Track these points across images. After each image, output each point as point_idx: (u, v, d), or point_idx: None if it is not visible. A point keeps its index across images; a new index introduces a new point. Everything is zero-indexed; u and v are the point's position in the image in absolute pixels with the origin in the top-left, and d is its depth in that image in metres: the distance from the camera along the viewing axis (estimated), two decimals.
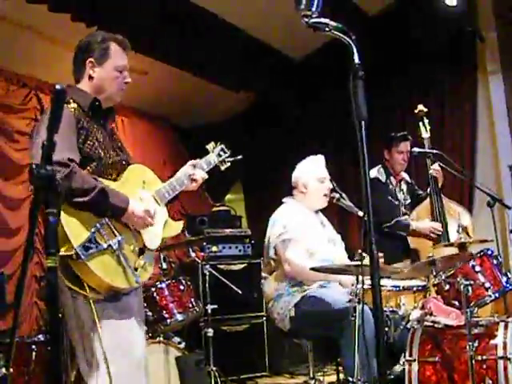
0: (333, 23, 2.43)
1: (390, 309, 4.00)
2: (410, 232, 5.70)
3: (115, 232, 2.93)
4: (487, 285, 4.23)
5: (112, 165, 3.15)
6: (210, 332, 5.31)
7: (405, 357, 3.79)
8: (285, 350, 7.01)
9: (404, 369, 3.78)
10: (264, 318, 6.92)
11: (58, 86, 1.79)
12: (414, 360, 3.77)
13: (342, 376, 4.95)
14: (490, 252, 4.38)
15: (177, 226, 3.45)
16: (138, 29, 6.05)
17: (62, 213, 2.74)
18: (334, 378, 5.23)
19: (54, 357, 1.75)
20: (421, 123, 5.96)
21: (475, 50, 7.41)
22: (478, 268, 4.26)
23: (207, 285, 5.51)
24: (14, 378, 4.24)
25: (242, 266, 7.12)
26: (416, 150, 5.76)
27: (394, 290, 4.21)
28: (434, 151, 5.79)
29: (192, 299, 5.04)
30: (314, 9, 2.43)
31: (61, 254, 2.72)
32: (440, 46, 7.31)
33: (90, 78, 3.19)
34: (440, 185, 5.80)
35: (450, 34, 7.14)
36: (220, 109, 8.79)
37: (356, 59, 2.37)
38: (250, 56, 7.58)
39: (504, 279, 4.30)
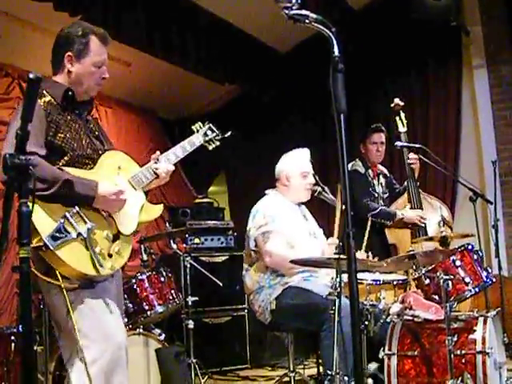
0: (313, 15, 2.40)
1: (370, 302, 3.99)
2: (394, 221, 5.70)
3: (86, 219, 2.91)
4: (467, 279, 4.25)
5: (86, 155, 3.12)
6: (191, 324, 5.31)
7: (384, 350, 3.80)
8: (266, 343, 7.01)
9: (380, 365, 3.79)
10: (246, 311, 6.91)
11: (31, 75, 1.77)
12: (394, 354, 3.78)
13: (322, 369, 4.97)
14: (470, 247, 4.39)
15: (156, 210, 3.41)
16: (121, 19, 6.02)
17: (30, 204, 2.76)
18: (314, 370, 5.25)
19: (26, 347, 1.73)
20: (397, 117, 5.96)
21: (460, 44, 7.43)
22: (458, 263, 4.27)
23: (188, 277, 5.50)
24: None
25: (225, 258, 7.10)
26: (399, 143, 5.77)
27: (374, 283, 4.21)
28: (417, 145, 5.80)
29: (172, 291, 5.04)
30: (294, 0, 2.41)
31: (32, 245, 2.68)
32: (425, 40, 7.32)
33: (69, 72, 3.17)
34: (416, 175, 5.81)
35: (436, 28, 7.13)
36: (205, 101, 8.78)
37: (336, 52, 2.35)
38: (235, 48, 7.56)
39: (484, 274, 4.32)
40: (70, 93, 3.15)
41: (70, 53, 3.13)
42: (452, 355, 3.49)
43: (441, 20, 6.92)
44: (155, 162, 3.39)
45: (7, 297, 6.02)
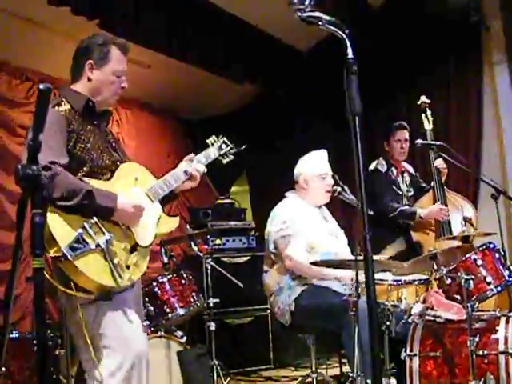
0: (326, 17, 2.38)
1: (392, 303, 3.97)
2: (415, 220, 5.68)
3: (104, 230, 2.91)
4: (489, 279, 4.20)
5: (105, 166, 3.13)
6: (213, 326, 5.30)
7: (406, 351, 3.78)
8: (289, 343, 6.99)
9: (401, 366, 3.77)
10: (268, 311, 6.90)
11: (41, 86, 1.77)
12: (415, 355, 3.75)
13: (345, 369, 4.96)
14: (492, 245, 4.35)
15: (172, 222, 3.41)
16: (140, 22, 6.03)
17: (49, 214, 2.78)
18: (337, 370, 5.24)
19: (41, 359, 1.73)
20: (423, 115, 5.93)
21: (480, 40, 7.35)
22: (479, 262, 4.24)
23: (210, 278, 5.50)
24: (15, 374, 4.23)
25: (246, 258, 7.11)
26: (419, 141, 5.73)
27: (395, 284, 4.18)
28: (438, 143, 5.76)
29: (193, 293, 5.03)
30: (307, 2, 2.40)
31: (50, 255, 2.75)
32: (445, 36, 7.25)
33: (89, 79, 3.19)
34: (443, 179, 5.78)
35: (455, 24, 7.07)
36: (225, 101, 8.77)
37: (350, 54, 2.33)
38: (254, 48, 7.54)
39: (506, 273, 4.28)
40: (90, 103, 3.17)
41: (90, 61, 3.17)
42: (474, 356, 3.45)
43: (460, 16, 6.86)
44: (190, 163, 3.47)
45: (29, 302, 6.07)
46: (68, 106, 3.10)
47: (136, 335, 3.02)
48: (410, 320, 3.91)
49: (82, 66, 3.20)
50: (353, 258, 3.89)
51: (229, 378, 5.47)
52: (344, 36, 2.36)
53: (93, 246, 2.82)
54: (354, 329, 3.61)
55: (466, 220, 5.23)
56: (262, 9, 6.96)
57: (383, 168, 5.92)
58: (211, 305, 5.39)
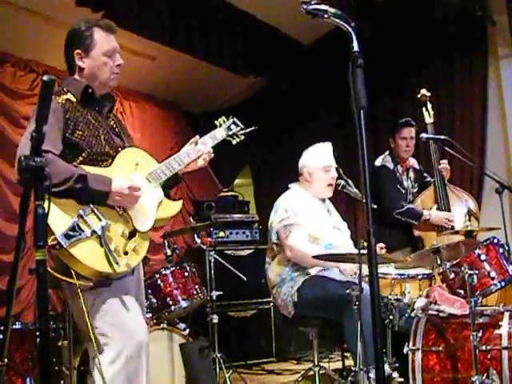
0: (331, 10, 2.38)
1: (395, 297, 3.96)
2: (420, 221, 5.65)
3: (100, 217, 2.90)
4: (493, 274, 4.19)
5: (105, 153, 3.12)
6: (215, 318, 5.31)
7: (408, 345, 3.77)
8: (292, 336, 7.00)
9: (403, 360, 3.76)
10: (271, 304, 6.91)
11: (45, 78, 1.77)
12: (418, 349, 3.74)
13: (347, 362, 4.96)
14: (496, 240, 4.33)
15: (175, 206, 3.38)
16: (144, 14, 6.02)
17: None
18: (340, 364, 5.24)
19: (43, 350, 1.73)
20: (424, 108, 5.90)
21: (486, 34, 7.31)
22: (483, 257, 4.22)
23: (213, 271, 5.50)
24: (18, 365, 4.24)
25: (250, 251, 7.11)
26: (424, 135, 5.70)
27: (398, 278, 4.18)
28: (443, 137, 5.73)
29: (197, 286, 5.04)
30: None
31: (48, 244, 2.69)
32: (450, 29, 7.22)
33: (81, 69, 3.18)
34: (447, 178, 5.75)
35: (461, 18, 7.04)
36: (228, 94, 8.76)
37: (355, 47, 2.32)
38: (258, 41, 7.53)
39: (510, 268, 4.26)
40: (89, 90, 3.16)
41: (78, 50, 3.15)
42: (477, 351, 3.44)
43: (466, 10, 6.83)
44: (195, 145, 3.44)
45: (32, 294, 6.08)
46: (67, 95, 3.10)
47: (135, 323, 3.00)
48: (413, 314, 3.91)
49: (72, 57, 3.18)
50: (356, 251, 3.89)
51: (231, 371, 5.47)
52: (349, 29, 2.35)
53: (88, 234, 2.82)
54: (357, 322, 3.60)
55: (471, 213, 5.22)
56: (267, 1, 6.95)
57: (390, 165, 5.88)
58: (214, 297, 5.40)
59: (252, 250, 7.12)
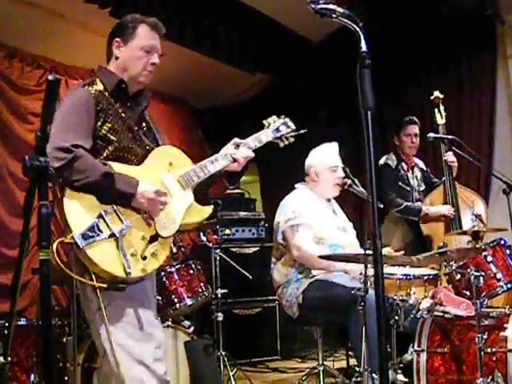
0: (340, 9, 2.36)
1: (400, 297, 3.95)
2: (420, 217, 5.69)
3: (122, 218, 2.82)
4: (499, 275, 4.17)
5: (132, 151, 3.02)
6: (220, 316, 5.30)
7: (413, 347, 3.76)
8: (297, 334, 7.00)
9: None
10: (276, 302, 6.89)
11: (50, 77, 1.76)
12: (423, 350, 3.72)
13: (352, 362, 4.95)
14: (502, 242, 4.31)
15: (203, 211, 3.22)
16: (152, 10, 6.01)
17: (66, 200, 2.74)
18: (344, 363, 5.23)
19: (46, 347, 1.73)
20: (436, 109, 5.91)
21: (495, 34, 7.27)
22: (490, 258, 4.20)
23: (218, 268, 5.49)
24: (23, 361, 4.25)
25: (256, 249, 7.11)
26: (431, 135, 5.71)
27: (404, 278, 4.16)
28: (450, 137, 5.74)
29: (202, 283, 5.03)
30: None
31: (65, 241, 2.68)
32: (459, 29, 7.18)
33: (116, 58, 3.12)
34: (454, 174, 5.76)
35: (470, 17, 7.00)
36: (236, 91, 8.75)
37: (363, 47, 2.30)
38: (266, 38, 7.51)
39: None
40: (123, 85, 3.10)
41: (118, 38, 3.11)
42: (482, 353, 3.42)
43: (475, 9, 6.80)
44: (235, 148, 3.29)
45: (37, 289, 6.08)
46: (100, 87, 3.02)
47: (149, 331, 2.91)
48: (418, 315, 3.89)
49: (110, 45, 3.14)
50: (361, 251, 3.87)
51: (235, 369, 5.47)
52: (357, 29, 2.33)
53: (106, 235, 2.75)
54: (362, 323, 3.59)
55: (476, 216, 5.20)
56: None
57: (393, 163, 5.92)
58: (219, 295, 5.39)
59: (258, 248, 7.12)
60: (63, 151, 2.73)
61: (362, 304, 3.65)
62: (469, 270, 3.65)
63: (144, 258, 2.87)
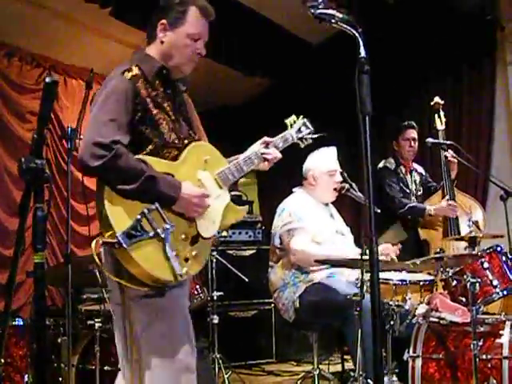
0: (339, 14, 2.36)
1: (396, 303, 3.94)
2: (425, 217, 5.69)
3: (165, 218, 2.64)
4: (495, 282, 4.16)
5: (172, 144, 2.82)
6: (216, 319, 5.30)
7: (408, 352, 3.75)
8: (292, 338, 6.98)
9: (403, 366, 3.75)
10: (272, 305, 6.86)
11: (47, 79, 1.73)
12: (418, 356, 3.72)
13: (347, 365, 4.95)
14: (499, 248, 4.30)
15: (239, 211, 3.16)
16: (152, 11, 6.00)
17: (107, 196, 2.58)
18: (339, 367, 5.23)
19: (39, 351, 1.72)
20: (436, 115, 5.92)
21: (495, 40, 7.28)
22: (486, 265, 4.19)
23: (214, 271, 5.48)
24: (20, 359, 4.24)
25: (252, 251, 7.09)
26: (430, 140, 5.74)
27: (400, 283, 4.16)
28: (448, 142, 5.76)
29: (197, 286, 5.02)
30: None
31: (104, 240, 2.54)
32: (459, 36, 7.19)
33: (161, 42, 2.90)
34: (453, 176, 5.76)
35: (470, 24, 7.01)
36: (235, 93, 8.74)
37: (362, 53, 2.30)
38: (266, 40, 7.50)
39: None
40: (164, 71, 2.89)
41: (164, 20, 2.87)
42: (477, 360, 3.42)
43: (475, 15, 6.80)
44: (265, 147, 3.21)
45: (32, 290, 6.07)
46: (136, 72, 2.78)
47: (182, 344, 2.74)
48: (414, 320, 3.89)
49: (154, 27, 2.90)
50: (358, 256, 3.87)
51: (230, 371, 5.46)
52: (356, 35, 2.33)
53: (151, 235, 2.58)
54: (358, 329, 3.59)
55: (473, 222, 5.20)
56: (275, 1, 6.93)
57: (392, 166, 5.93)
58: (215, 298, 5.38)
59: (254, 251, 7.10)
60: (102, 148, 2.55)
61: (358, 309, 3.66)
62: (465, 277, 3.65)
63: (186, 260, 2.73)
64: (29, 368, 4.23)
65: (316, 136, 3.54)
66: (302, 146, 3.52)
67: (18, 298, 5.87)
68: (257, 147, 3.22)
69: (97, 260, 2.59)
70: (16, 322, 4.40)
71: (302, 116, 3.52)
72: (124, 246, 2.49)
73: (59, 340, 4.53)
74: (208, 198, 2.82)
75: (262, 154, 3.18)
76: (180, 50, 2.90)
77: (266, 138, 3.26)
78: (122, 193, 2.59)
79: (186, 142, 2.89)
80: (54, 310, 5.21)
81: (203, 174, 2.92)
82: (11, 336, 4.29)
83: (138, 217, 2.56)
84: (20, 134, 6.37)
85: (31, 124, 6.39)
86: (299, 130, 3.47)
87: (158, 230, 2.59)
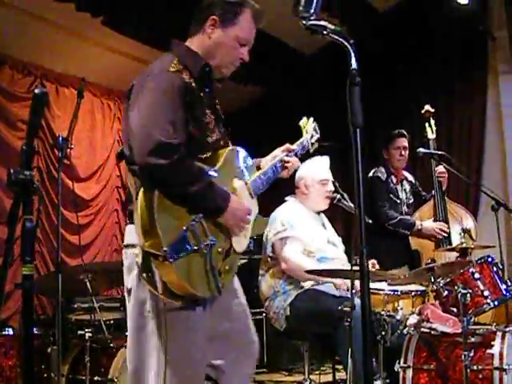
0: (331, 26, 2.35)
1: (388, 313, 3.94)
2: (414, 232, 5.65)
3: (207, 231, 2.52)
4: (486, 293, 4.14)
5: (209, 145, 2.70)
6: None
7: (399, 363, 3.74)
8: (283, 347, 6.96)
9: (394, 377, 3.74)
10: (263, 315, 6.84)
11: (36, 91, 1.71)
12: (409, 367, 3.72)
13: (338, 375, 4.94)
14: (490, 259, 4.30)
15: (263, 223, 3.08)
16: (144, 20, 6.00)
17: (158, 203, 2.41)
18: (330, 377, 5.21)
19: (26, 360, 1.70)
20: (427, 124, 5.91)
21: (486, 50, 7.31)
22: (477, 275, 4.17)
23: None
24: (9, 369, 4.21)
25: (243, 261, 7.06)
26: (421, 150, 5.70)
27: (391, 294, 4.16)
28: (439, 152, 5.74)
29: None
30: (312, 10, 2.35)
31: (146, 249, 2.42)
32: (451, 45, 7.22)
33: (209, 37, 2.77)
34: (444, 187, 5.75)
35: (462, 33, 7.04)
36: (227, 101, 8.70)
37: (353, 64, 2.29)
38: (258, 50, 7.48)
39: (504, 287, 4.23)
40: (207, 68, 2.75)
41: (215, 16, 2.76)
42: (468, 370, 3.42)
43: (467, 25, 6.84)
44: (287, 155, 3.12)
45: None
46: (184, 69, 2.66)
47: (199, 358, 2.65)
48: (405, 331, 3.89)
49: (203, 20, 2.79)
50: (349, 266, 3.86)
51: None
52: (348, 46, 2.32)
53: (195, 248, 2.46)
54: (349, 339, 3.59)
55: (465, 231, 5.19)
56: (268, 11, 6.91)
57: (383, 176, 5.89)
58: None
59: (246, 260, 7.07)
60: (170, 148, 2.43)
61: (349, 320, 3.65)
62: (456, 287, 3.66)
63: (220, 274, 2.59)
64: (18, 378, 4.20)
65: (326, 144, 3.58)
66: (312, 150, 3.47)
67: (7, 308, 5.85)
68: (280, 154, 3.14)
69: (143, 276, 2.51)
70: (6, 332, 4.38)
71: (312, 119, 3.52)
72: (169, 260, 2.37)
73: (49, 350, 4.50)
74: (250, 212, 2.73)
75: (284, 161, 3.10)
76: (226, 51, 2.79)
77: (288, 146, 3.19)
78: (176, 197, 2.46)
79: (222, 143, 2.80)
80: (44, 320, 5.17)
81: (238, 184, 2.81)
82: (0, 346, 4.27)
83: (185, 228, 2.44)
84: (11, 142, 6.36)
85: (22, 132, 6.38)
86: (312, 136, 3.45)
87: (202, 244, 2.49)
